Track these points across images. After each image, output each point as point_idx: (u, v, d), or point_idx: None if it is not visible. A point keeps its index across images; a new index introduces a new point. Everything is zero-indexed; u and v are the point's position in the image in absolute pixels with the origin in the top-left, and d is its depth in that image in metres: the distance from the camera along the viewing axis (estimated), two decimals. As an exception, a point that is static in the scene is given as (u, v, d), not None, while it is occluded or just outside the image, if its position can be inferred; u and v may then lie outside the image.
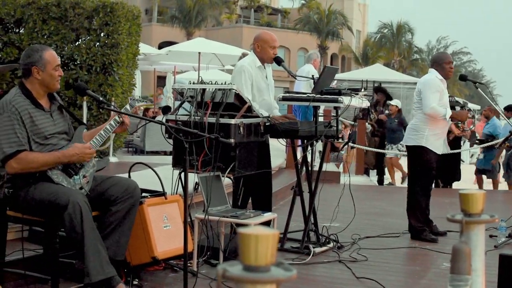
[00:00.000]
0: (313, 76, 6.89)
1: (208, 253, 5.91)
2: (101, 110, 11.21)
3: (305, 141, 6.68)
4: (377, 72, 27.97)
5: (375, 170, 15.34)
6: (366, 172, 15.32)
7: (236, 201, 6.50)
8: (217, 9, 59.93)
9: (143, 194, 5.28)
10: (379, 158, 14.97)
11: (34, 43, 11.20)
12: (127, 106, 5.14)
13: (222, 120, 5.86)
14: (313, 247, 6.49)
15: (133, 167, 5.65)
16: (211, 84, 6.12)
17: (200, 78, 6.34)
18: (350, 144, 9.97)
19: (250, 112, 6.16)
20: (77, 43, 11.66)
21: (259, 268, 1.42)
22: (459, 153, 13.91)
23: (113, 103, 10.75)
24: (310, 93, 6.58)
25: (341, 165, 15.53)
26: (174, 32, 55.44)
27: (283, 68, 6.87)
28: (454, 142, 12.90)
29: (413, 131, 7.60)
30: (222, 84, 6.15)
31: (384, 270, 6.21)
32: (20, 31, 11.72)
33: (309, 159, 6.94)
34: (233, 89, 6.00)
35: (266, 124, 6.28)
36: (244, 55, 12.50)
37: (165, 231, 5.30)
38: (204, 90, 6.11)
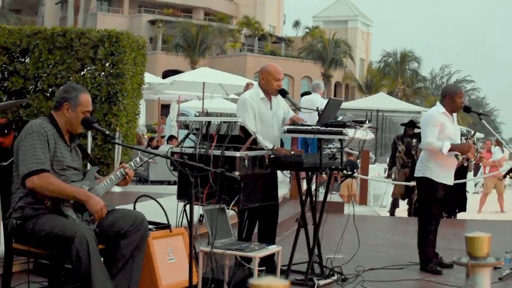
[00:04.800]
0: (317, 108, 6.89)
1: (213, 285, 5.90)
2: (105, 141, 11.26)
3: (309, 173, 6.69)
4: (381, 101, 28.06)
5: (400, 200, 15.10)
6: (396, 203, 15.20)
7: (241, 233, 6.50)
8: (221, 38, 60.24)
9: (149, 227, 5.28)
10: (409, 188, 14.64)
11: (40, 73, 11.33)
12: (137, 159, 5.20)
13: (227, 153, 5.88)
14: (317, 280, 6.48)
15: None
16: (217, 116, 6.15)
17: (205, 110, 6.38)
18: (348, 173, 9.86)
19: (255, 144, 6.19)
20: (82, 72, 11.75)
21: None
22: (465, 184, 13.84)
23: (117, 133, 10.81)
24: (314, 125, 6.59)
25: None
26: (178, 60, 55.69)
27: (288, 100, 6.93)
28: (460, 172, 12.74)
29: (420, 162, 7.67)
30: (227, 116, 6.18)
31: (388, 303, 6.20)
32: (26, 60, 11.82)
33: (313, 190, 6.93)
34: (238, 121, 6.04)
35: (271, 156, 6.29)
36: (248, 85, 12.54)
37: (169, 264, 5.31)
38: (209, 122, 6.14)
